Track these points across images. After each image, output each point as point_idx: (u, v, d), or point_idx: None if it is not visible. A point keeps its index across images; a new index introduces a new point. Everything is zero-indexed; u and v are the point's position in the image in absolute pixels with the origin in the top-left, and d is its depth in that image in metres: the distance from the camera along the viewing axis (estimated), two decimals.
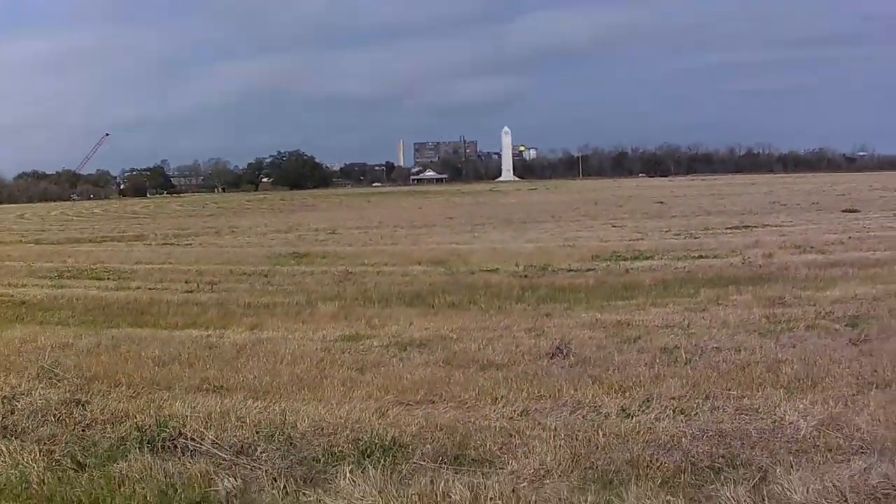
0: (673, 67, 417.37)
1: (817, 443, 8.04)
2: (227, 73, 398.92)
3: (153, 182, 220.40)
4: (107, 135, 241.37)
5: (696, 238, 34.61)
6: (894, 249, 26.78)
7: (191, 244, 44.26)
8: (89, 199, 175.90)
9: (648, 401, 9.76)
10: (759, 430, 8.57)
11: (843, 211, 49.40)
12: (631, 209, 62.92)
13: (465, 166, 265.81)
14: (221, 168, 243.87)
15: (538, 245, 33.73)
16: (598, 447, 8.03)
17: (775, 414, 9.01)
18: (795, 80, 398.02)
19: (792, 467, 7.24)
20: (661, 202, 70.04)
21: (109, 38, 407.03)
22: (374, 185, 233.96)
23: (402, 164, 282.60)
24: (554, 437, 8.28)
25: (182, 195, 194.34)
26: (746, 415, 9.15)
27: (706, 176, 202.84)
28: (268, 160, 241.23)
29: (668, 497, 6.78)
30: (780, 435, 8.38)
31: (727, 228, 39.24)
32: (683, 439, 8.28)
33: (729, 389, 10.15)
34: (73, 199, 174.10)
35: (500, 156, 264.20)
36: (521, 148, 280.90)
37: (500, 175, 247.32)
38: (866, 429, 8.23)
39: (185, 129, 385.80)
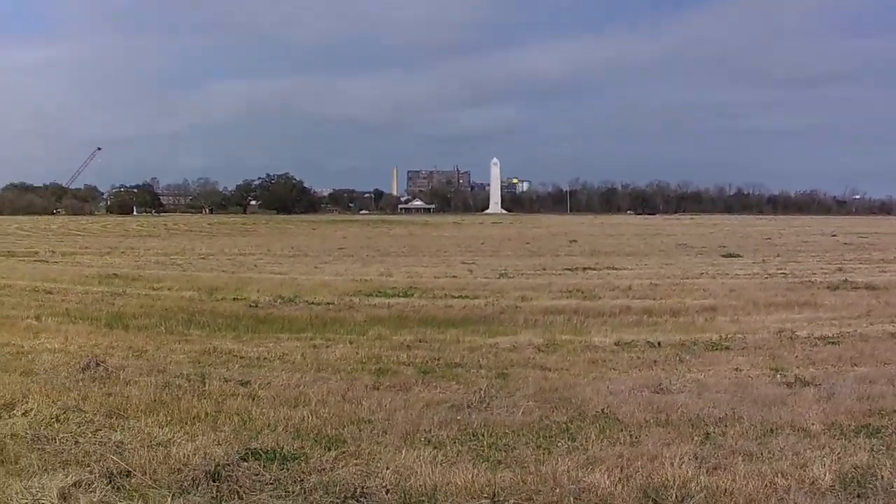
0: (667, 104, 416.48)
1: None
2: (226, 91, 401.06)
3: (141, 200, 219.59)
4: (98, 149, 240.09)
5: (510, 278, 34.62)
6: (660, 298, 26.77)
7: (58, 262, 44.81)
8: (73, 214, 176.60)
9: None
10: None
11: (723, 256, 49.24)
12: (532, 247, 62.93)
13: (455, 197, 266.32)
14: (210, 189, 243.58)
15: (341, 277, 34.08)
16: None
17: None
18: (790, 121, 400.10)
19: None
20: (574, 240, 69.98)
21: (108, 50, 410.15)
22: (361, 212, 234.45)
23: (395, 191, 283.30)
24: None
25: (166, 215, 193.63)
26: None
27: (693, 215, 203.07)
28: (257, 182, 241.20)
29: None
30: None
31: (565, 269, 39.15)
32: None
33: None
34: (54, 213, 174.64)
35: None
36: (515, 180, 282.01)
37: (488, 207, 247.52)
38: None
39: (178, 146, 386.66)
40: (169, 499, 7.99)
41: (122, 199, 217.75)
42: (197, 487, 8.35)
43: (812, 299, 26.09)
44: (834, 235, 74.50)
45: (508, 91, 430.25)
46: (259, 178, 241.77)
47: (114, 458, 9.08)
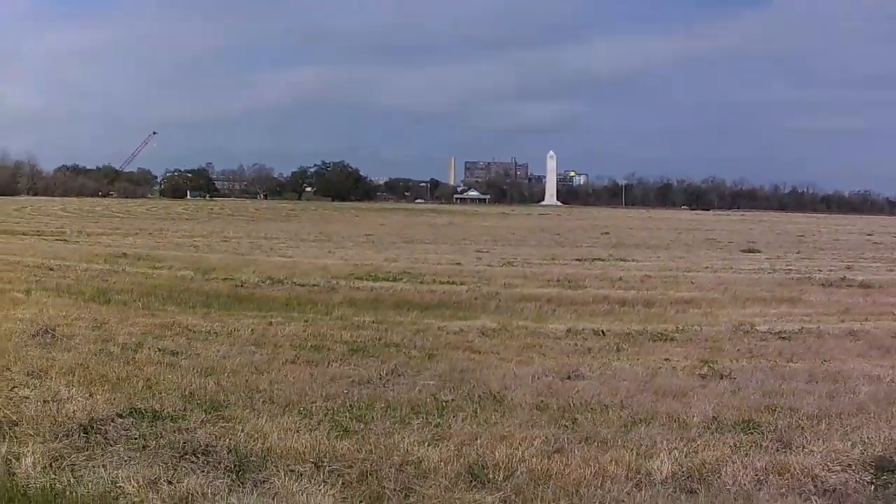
0: (723, 100, 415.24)
1: None
2: (282, 78, 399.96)
3: (195, 185, 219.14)
4: (154, 133, 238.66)
5: (513, 266, 35.04)
6: (645, 289, 26.70)
7: (78, 242, 46.06)
8: (125, 197, 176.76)
9: None
10: None
11: (742, 251, 49.09)
12: (560, 238, 63.05)
13: (511, 188, 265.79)
14: (265, 175, 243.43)
15: (343, 262, 34.74)
16: None
17: None
18: (847, 121, 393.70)
19: None
20: (607, 233, 70.07)
21: (164, 31, 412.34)
22: (416, 201, 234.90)
23: (452, 181, 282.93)
24: None
25: (219, 199, 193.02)
26: None
27: (746, 212, 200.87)
28: (312, 169, 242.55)
29: None
30: None
31: (574, 259, 39.44)
32: None
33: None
34: (102, 195, 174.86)
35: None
36: (572, 173, 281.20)
37: (543, 199, 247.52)
38: None
39: (235, 132, 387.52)
40: (31, 444, 8.63)
41: (175, 184, 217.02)
42: (68, 437, 9.02)
43: (798, 295, 25.77)
44: (870, 235, 73.44)
45: (568, 85, 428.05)
46: (315, 165, 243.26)
47: (8, 410, 9.83)
